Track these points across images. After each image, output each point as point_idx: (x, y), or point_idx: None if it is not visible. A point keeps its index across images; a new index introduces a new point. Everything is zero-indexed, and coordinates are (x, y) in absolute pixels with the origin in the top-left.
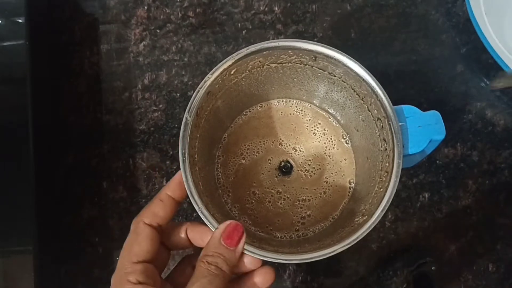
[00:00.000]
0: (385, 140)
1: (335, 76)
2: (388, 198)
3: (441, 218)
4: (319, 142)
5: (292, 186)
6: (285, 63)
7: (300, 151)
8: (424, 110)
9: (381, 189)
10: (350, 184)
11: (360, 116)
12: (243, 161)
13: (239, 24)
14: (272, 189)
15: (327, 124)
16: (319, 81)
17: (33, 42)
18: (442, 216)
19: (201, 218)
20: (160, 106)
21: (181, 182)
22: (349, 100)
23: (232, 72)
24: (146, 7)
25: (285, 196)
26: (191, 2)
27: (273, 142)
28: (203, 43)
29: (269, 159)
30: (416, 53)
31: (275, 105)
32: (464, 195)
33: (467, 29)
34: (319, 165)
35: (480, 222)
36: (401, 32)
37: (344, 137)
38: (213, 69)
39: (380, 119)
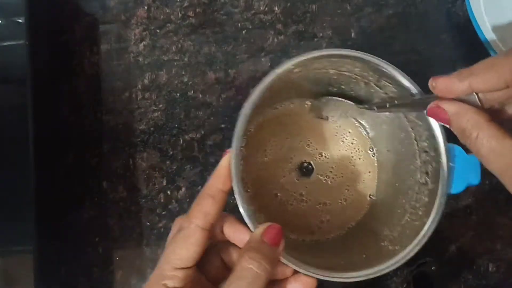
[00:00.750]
0: (427, 174)
1: (392, 99)
2: (424, 233)
3: (441, 218)
4: (345, 150)
5: (313, 189)
6: (346, 72)
7: (325, 156)
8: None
9: (416, 222)
10: (370, 198)
11: (397, 140)
12: (265, 158)
13: (239, 24)
14: (293, 190)
15: (357, 134)
16: (369, 97)
17: (33, 42)
18: (442, 216)
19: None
20: (160, 106)
21: (229, 174)
22: (394, 123)
23: (295, 70)
24: (146, 7)
25: (306, 198)
26: (191, 2)
27: (300, 141)
28: (203, 43)
29: (291, 158)
30: (416, 53)
31: (307, 104)
32: (464, 195)
33: (467, 29)
34: (342, 173)
35: (480, 222)
36: (401, 32)
37: (371, 150)
38: (279, 66)
39: (427, 152)
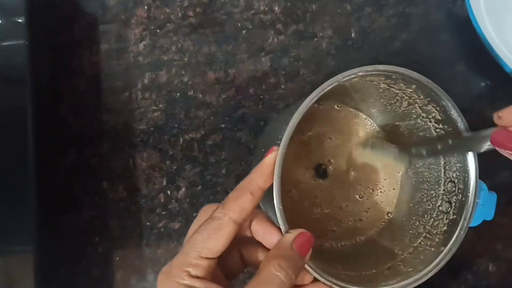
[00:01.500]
0: (449, 204)
1: (438, 126)
2: (439, 261)
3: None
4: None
5: (331, 192)
6: (396, 88)
7: (350, 162)
8: None
9: (433, 249)
10: (388, 215)
11: (423, 163)
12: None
13: (239, 24)
14: (309, 191)
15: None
16: (403, 116)
17: (33, 42)
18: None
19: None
20: (160, 106)
21: (272, 172)
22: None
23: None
24: (146, 7)
25: (321, 201)
26: (191, 1)
27: (329, 139)
28: (203, 43)
29: (312, 159)
30: (416, 53)
31: (347, 111)
32: None
33: (467, 29)
34: (369, 186)
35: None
36: (401, 32)
37: (399, 172)
38: (352, 71)
39: (454, 183)
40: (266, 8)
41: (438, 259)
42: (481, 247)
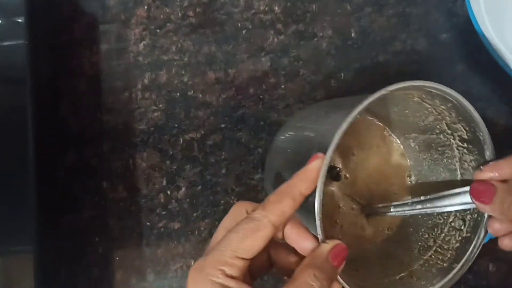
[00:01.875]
0: (463, 221)
1: (461, 144)
2: (452, 277)
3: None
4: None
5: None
6: (428, 103)
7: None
8: None
9: (444, 264)
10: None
11: (437, 178)
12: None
13: (239, 24)
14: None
15: (398, 160)
16: (426, 128)
17: (33, 42)
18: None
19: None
20: (160, 106)
21: (316, 179)
22: (441, 162)
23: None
24: (146, 7)
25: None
26: (191, 1)
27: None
28: (203, 43)
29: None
30: (416, 52)
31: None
32: None
33: (467, 29)
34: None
35: None
36: (401, 32)
37: (410, 176)
38: (404, 83)
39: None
40: (266, 8)
41: (450, 275)
42: (481, 247)
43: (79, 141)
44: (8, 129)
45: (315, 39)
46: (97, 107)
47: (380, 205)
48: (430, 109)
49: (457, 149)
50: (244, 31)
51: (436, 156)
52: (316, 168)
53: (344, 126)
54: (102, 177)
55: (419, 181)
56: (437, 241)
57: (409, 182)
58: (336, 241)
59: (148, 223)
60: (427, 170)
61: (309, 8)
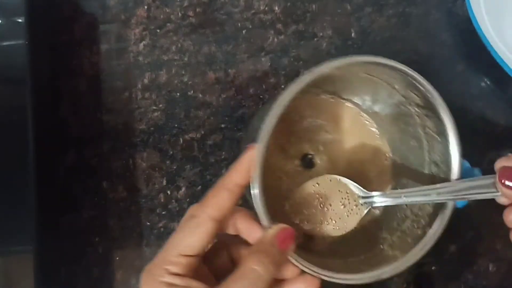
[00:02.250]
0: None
1: (416, 109)
2: (426, 242)
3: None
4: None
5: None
6: (376, 77)
7: (343, 152)
8: None
9: (419, 231)
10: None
11: (407, 147)
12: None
13: (239, 24)
14: (297, 181)
15: (371, 140)
16: (394, 107)
17: (33, 42)
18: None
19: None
20: (160, 106)
21: (249, 169)
22: (408, 132)
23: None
24: (146, 7)
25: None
26: (191, 1)
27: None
28: (203, 43)
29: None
30: (416, 52)
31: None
32: None
33: (467, 29)
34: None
35: (481, 222)
36: (401, 32)
37: (387, 154)
38: (315, 69)
39: (438, 165)
40: (266, 8)
41: (424, 240)
42: (481, 247)
43: (79, 141)
44: (8, 129)
45: (315, 39)
46: (97, 107)
47: (388, 192)
48: (381, 83)
49: (418, 116)
50: (244, 31)
51: (403, 126)
52: (247, 158)
53: (273, 111)
54: (102, 177)
55: (398, 161)
56: (413, 210)
57: (387, 161)
58: (281, 225)
59: (148, 223)
60: (399, 143)
61: (309, 8)
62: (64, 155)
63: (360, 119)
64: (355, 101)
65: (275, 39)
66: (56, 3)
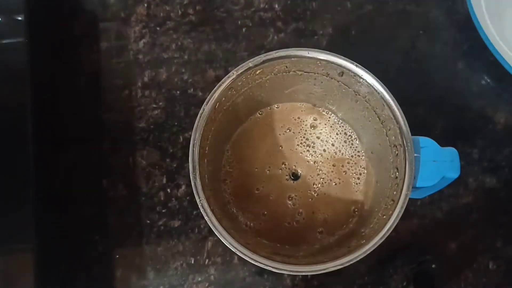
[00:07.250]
0: (397, 169)
1: (359, 94)
2: (389, 226)
3: (442, 216)
4: (335, 152)
5: (301, 192)
6: (312, 72)
7: (314, 159)
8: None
9: (384, 216)
10: (358, 205)
11: (378, 140)
12: (249, 162)
13: (239, 22)
14: (280, 193)
15: (346, 139)
16: (343, 96)
17: (33, 40)
18: (442, 214)
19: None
20: (160, 104)
21: None
22: (369, 121)
23: (257, 73)
24: (145, 5)
25: (294, 201)
26: None
27: (284, 145)
28: (203, 41)
29: (283, 163)
30: (416, 50)
31: (292, 107)
32: (465, 192)
33: (467, 27)
34: (337, 178)
35: (481, 219)
36: (401, 30)
37: (362, 155)
38: (239, 67)
39: (396, 146)
40: (266, 6)
41: (387, 224)
42: (481, 245)
43: (78, 139)
44: (7, 127)
45: (315, 37)
46: (97, 105)
47: None
48: (334, 84)
49: (379, 118)
50: (244, 29)
51: (363, 113)
52: None
53: (203, 106)
54: (102, 175)
55: (371, 151)
56: (385, 198)
57: (362, 160)
58: None
59: (148, 221)
60: (363, 130)
61: (309, 6)
62: (64, 153)
63: (340, 123)
64: (325, 109)
65: (275, 37)
66: (56, 1)
